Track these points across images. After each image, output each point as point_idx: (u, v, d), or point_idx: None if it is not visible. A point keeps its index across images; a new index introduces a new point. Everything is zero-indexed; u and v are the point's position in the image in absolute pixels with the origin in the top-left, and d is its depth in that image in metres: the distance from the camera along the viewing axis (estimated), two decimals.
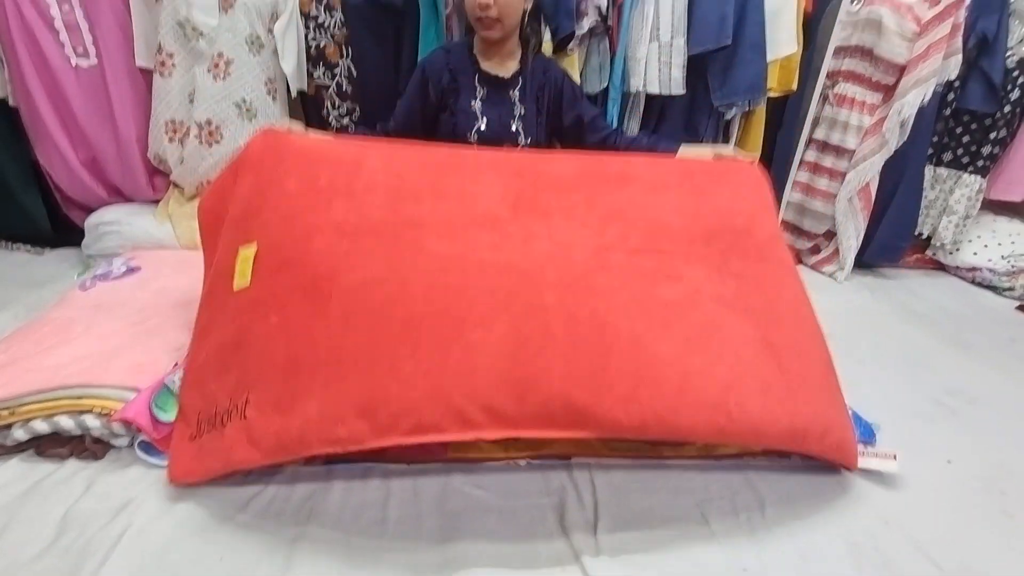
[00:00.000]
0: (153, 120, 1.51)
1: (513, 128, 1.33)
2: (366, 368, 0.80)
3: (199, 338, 0.97)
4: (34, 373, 0.95)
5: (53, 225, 1.61)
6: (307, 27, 1.52)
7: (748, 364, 0.87)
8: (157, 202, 1.61)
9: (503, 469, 0.95)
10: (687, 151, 1.23)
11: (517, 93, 1.32)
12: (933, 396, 1.28)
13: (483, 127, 1.32)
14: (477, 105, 1.32)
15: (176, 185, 1.59)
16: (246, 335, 0.87)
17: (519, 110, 1.33)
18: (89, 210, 1.56)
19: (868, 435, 1.10)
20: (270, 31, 1.49)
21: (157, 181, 1.62)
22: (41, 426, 0.92)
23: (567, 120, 1.36)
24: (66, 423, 0.92)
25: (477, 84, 1.31)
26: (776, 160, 1.77)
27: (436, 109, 1.33)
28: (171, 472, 0.88)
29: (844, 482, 1.00)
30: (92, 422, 0.92)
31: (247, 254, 0.91)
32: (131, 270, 1.34)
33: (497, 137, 1.32)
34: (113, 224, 1.51)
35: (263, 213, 0.92)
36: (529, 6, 1.28)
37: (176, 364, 1.02)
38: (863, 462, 1.01)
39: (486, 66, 1.32)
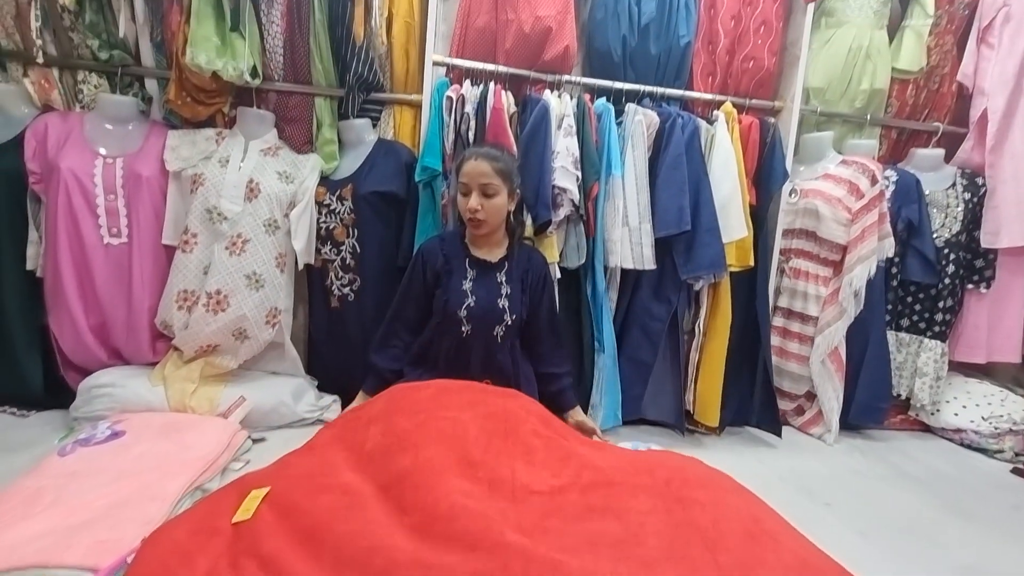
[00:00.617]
0: (167, 290, 1.63)
1: (500, 305, 1.47)
2: None
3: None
4: None
5: (46, 387, 1.62)
6: (319, 212, 1.74)
7: None
8: (155, 364, 1.66)
9: None
10: (576, 415, 1.54)
11: (504, 275, 1.49)
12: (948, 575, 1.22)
13: (472, 304, 1.46)
14: (468, 285, 1.48)
15: (176, 348, 1.65)
16: (239, 557, 0.93)
17: (505, 289, 1.48)
18: (86, 373, 1.60)
19: None
20: (286, 215, 1.69)
21: (159, 345, 1.69)
22: None
23: (534, 309, 1.54)
24: None
25: (468, 267, 1.50)
26: (761, 323, 1.90)
27: (431, 288, 1.50)
28: None
29: None
30: None
31: (258, 493, 1.06)
32: (115, 434, 1.33)
33: (485, 314, 1.45)
34: (106, 387, 1.54)
35: (287, 469, 1.14)
36: (512, 207, 1.51)
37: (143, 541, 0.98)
38: None
39: (476, 253, 1.52)
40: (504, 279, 1.50)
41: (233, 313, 1.60)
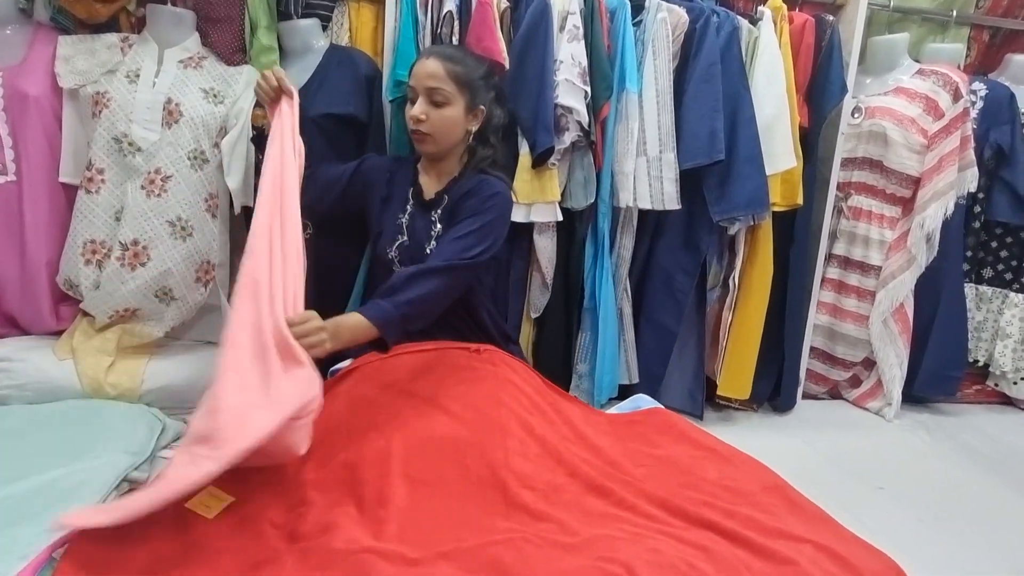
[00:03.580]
0: (70, 241, 1.62)
1: (428, 249, 1.50)
2: None
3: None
4: None
5: None
6: (258, 141, 1.72)
7: None
8: (59, 334, 1.67)
9: None
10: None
11: (438, 212, 1.53)
12: None
13: (404, 242, 1.53)
14: (403, 219, 1.54)
15: (85, 314, 1.66)
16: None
17: (436, 229, 1.52)
18: None
19: None
20: (216, 145, 1.67)
21: (63, 310, 1.69)
22: None
23: None
24: None
25: (409, 196, 1.56)
26: (793, 278, 1.94)
27: (358, 202, 1.59)
28: None
29: None
30: None
31: (219, 495, 1.14)
32: None
33: (414, 255, 1.51)
34: (1, 362, 1.56)
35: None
36: (474, 128, 1.51)
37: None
38: None
39: (422, 180, 1.57)
40: (438, 216, 1.52)
41: (155, 268, 1.61)
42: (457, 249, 1.41)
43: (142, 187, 1.61)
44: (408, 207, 1.55)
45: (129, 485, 1.31)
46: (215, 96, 1.69)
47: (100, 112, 1.60)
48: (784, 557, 1.12)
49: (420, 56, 1.50)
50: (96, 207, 1.62)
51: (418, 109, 1.45)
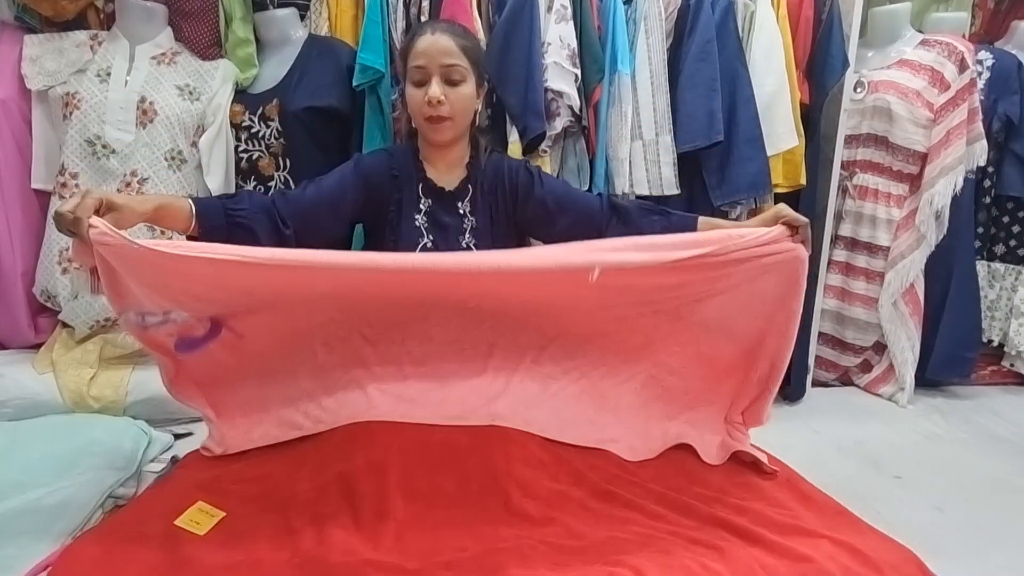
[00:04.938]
0: (45, 250, 1.61)
1: (463, 244, 1.43)
2: None
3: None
4: None
5: None
6: (238, 139, 1.70)
7: None
8: (38, 347, 1.66)
9: None
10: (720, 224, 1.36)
11: (467, 204, 1.45)
12: None
13: (428, 244, 1.42)
14: (421, 220, 1.43)
15: (65, 325, 1.65)
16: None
17: (469, 223, 1.44)
18: None
19: None
20: (194, 144, 1.66)
21: (41, 322, 1.68)
22: None
23: (539, 220, 1.45)
24: None
25: (421, 194, 1.44)
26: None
27: (369, 214, 1.44)
28: None
29: None
30: None
31: (210, 511, 1.14)
32: None
33: None
34: None
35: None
36: (479, 105, 1.46)
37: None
38: None
39: (431, 173, 1.44)
40: (468, 209, 1.45)
41: None
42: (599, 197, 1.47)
43: (118, 191, 1.59)
44: (423, 205, 1.43)
45: (115, 502, 1.29)
46: (191, 93, 1.66)
47: (71, 114, 1.58)
48: (800, 554, 1.11)
49: (421, 32, 1.37)
50: None
51: (436, 91, 1.32)
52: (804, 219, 1.19)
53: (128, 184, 1.60)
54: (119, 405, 1.59)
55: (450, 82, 1.35)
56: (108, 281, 1.09)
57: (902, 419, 1.91)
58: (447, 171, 1.46)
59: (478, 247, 1.43)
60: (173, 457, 1.48)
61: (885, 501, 1.39)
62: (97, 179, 1.60)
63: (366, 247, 1.51)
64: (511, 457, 1.25)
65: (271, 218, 1.28)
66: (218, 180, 1.66)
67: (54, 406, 1.55)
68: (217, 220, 1.21)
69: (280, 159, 1.71)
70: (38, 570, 1.01)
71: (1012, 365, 2.16)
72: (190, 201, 1.20)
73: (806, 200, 1.90)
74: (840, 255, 2.07)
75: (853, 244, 2.05)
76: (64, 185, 1.60)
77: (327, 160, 1.71)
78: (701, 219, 1.36)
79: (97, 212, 1.02)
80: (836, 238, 2.07)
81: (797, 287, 1.23)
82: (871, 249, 2.02)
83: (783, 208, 1.23)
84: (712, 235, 1.21)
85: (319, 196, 1.36)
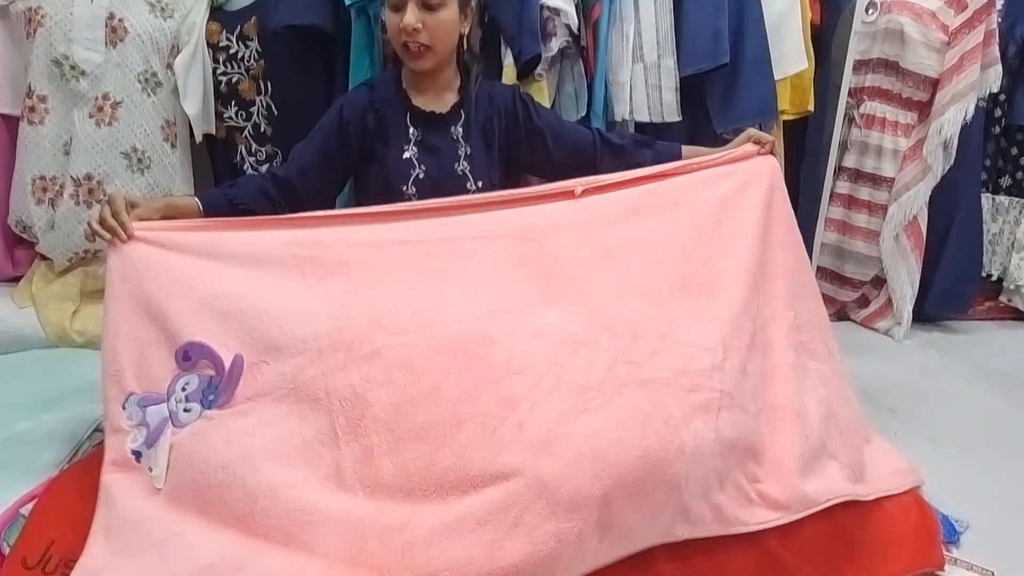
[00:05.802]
0: (17, 178, 1.55)
1: (459, 171, 1.38)
2: None
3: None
4: None
5: None
6: (216, 60, 1.61)
7: None
8: (16, 281, 1.62)
9: None
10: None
11: (459, 129, 1.39)
12: None
13: (421, 175, 1.37)
14: (411, 151, 1.37)
15: (43, 258, 1.61)
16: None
17: (464, 149, 1.39)
18: None
19: (951, 534, 1.11)
20: (169, 67, 1.57)
21: (18, 254, 1.64)
22: None
23: (535, 152, 1.42)
24: None
25: (409, 124, 1.37)
26: (804, 194, 1.87)
27: (359, 160, 1.39)
28: None
29: None
30: None
31: None
32: None
33: (439, 185, 1.37)
34: None
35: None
36: (466, 29, 1.37)
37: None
38: (952, 571, 1.02)
39: (419, 101, 1.38)
40: (461, 134, 1.39)
41: None
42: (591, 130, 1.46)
43: (90, 115, 1.52)
44: (411, 135, 1.37)
45: (102, 436, 1.27)
46: (163, 9, 1.57)
47: (35, 31, 1.50)
48: None
49: None
50: (42, 140, 1.54)
51: (411, 18, 1.25)
52: (770, 137, 1.35)
53: (100, 109, 1.52)
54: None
55: (427, 7, 1.26)
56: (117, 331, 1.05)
57: (898, 353, 1.91)
58: (436, 97, 1.40)
59: (474, 176, 1.39)
60: None
61: (881, 434, 1.39)
62: (67, 103, 1.53)
63: (356, 187, 1.46)
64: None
65: (269, 201, 1.30)
66: (196, 105, 1.58)
67: (36, 341, 1.53)
68: (222, 210, 1.24)
69: (261, 82, 1.63)
70: (24, 501, 1.00)
71: (1010, 300, 2.14)
72: (196, 199, 1.25)
73: (815, 129, 1.83)
74: (843, 187, 2.02)
75: (857, 176, 2.00)
76: (32, 109, 1.52)
77: (311, 84, 1.64)
78: (685, 148, 1.42)
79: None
80: (840, 169, 2.02)
81: (778, 191, 1.30)
82: (875, 181, 1.97)
83: (752, 130, 1.38)
84: (688, 160, 1.33)
85: (308, 172, 1.34)
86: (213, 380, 1.02)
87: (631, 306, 1.09)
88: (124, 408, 1.03)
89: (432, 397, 0.94)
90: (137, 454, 0.99)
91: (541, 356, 0.99)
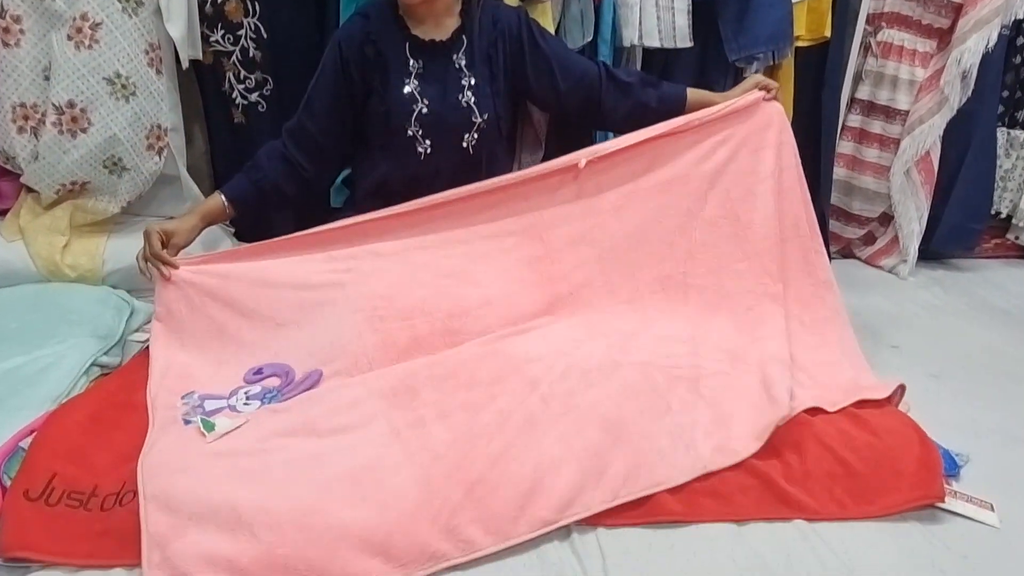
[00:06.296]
0: None
1: (463, 102, 1.33)
2: None
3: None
4: None
5: None
6: None
7: None
8: (3, 214, 1.58)
9: None
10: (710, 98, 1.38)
11: (463, 58, 1.32)
12: None
13: (424, 110, 1.32)
14: (412, 83, 1.31)
15: (29, 190, 1.56)
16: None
17: (468, 79, 1.32)
18: None
19: (952, 467, 1.11)
20: None
21: (4, 187, 1.59)
22: None
23: (541, 81, 1.37)
24: None
25: (409, 55, 1.31)
26: (825, 125, 1.81)
27: (360, 96, 1.33)
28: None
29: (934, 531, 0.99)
30: None
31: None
32: None
33: (443, 120, 1.32)
34: None
35: None
36: None
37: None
38: (952, 504, 1.02)
39: (417, 30, 1.31)
40: (464, 63, 1.33)
41: (98, 134, 1.47)
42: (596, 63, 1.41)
43: (69, 37, 1.43)
44: (412, 68, 1.31)
45: (100, 371, 1.26)
46: None
47: None
48: (796, 418, 1.11)
49: None
50: (19, 64, 1.46)
51: None
52: (775, 83, 1.36)
53: (79, 30, 1.43)
54: (96, 274, 1.53)
55: None
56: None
57: (902, 291, 1.90)
58: (436, 24, 1.33)
59: (479, 108, 1.34)
60: None
61: (882, 370, 1.39)
62: (44, 24, 1.44)
63: (355, 127, 1.40)
64: None
65: (289, 167, 1.33)
66: (180, 28, 1.49)
67: (27, 275, 1.49)
68: (247, 193, 1.31)
69: (248, 3, 1.54)
70: (23, 435, 0.99)
71: (1017, 238, 2.12)
72: (219, 193, 1.31)
73: (833, 56, 1.75)
74: (854, 120, 1.96)
75: (870, 108, 1.94)
76: (7, 31, 1.44)
77: (301, 5, 1.57)
78: (690, 91, 1.40)
79: (162, 243, 1.22)
80: (852, 101, 1.95)
81: (786, 146, 1.33)
82: (888, 113, 1.90)
83: (757, 76, 1.40)
84: (691, 114, 1.33)
85: (320, 117, 1.34)
86: (277, 387, 1.14)
87: (618, 314, 1.30)
88: (183, 398, 1.11)
89: (470, 384, 1.10)
90: (187, 422, 1.05)
91: (550, 350, 1.18)
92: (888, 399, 1.21)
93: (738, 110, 1.32)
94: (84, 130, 1.47)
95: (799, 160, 1.35)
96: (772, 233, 1.32)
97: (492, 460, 0.98)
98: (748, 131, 1.32)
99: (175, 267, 1.21)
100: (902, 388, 1.23)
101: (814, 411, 1.14)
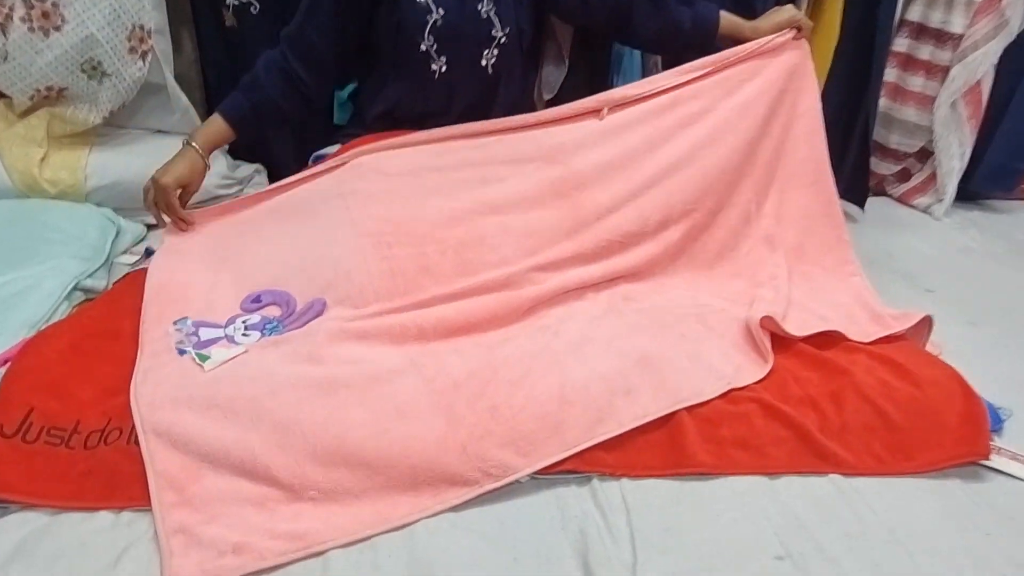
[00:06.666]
0: None
1: (482, 12, 1.21)
2: None
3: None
4: None
5: None
6: None
7: None
8: None
9: (494, 496, 0.87)
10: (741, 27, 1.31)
11: None
12: None
13: (439, 21, 1.19)
14: None
15: (2, 96, 1.45)
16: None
17: None
18: None
19: (996, 422, 1.05)
20: None
21: None
22: None
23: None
24: None
25: None
26: (878, 49, 1.66)
27: (365, 6, 1.20)
28: None
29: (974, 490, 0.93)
30: None
31: None
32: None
33: (459, 32, 1.21)
34: None
35: None
36: None
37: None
38: (997, 461, 0.96)
39: None
40: None
41: (74, 34, 1.35)
42: None
43: None
44: None
45: (84, 295, 1.18)
46: None
47: None
48: (836, 367, 1.05)
49: None
50: None
51: None
52: (810, 22, 1.32)
53: None
54: (79, 190, 1.43)
55: None
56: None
57: (937, 232, 1.81)
58: None
59: (501, 20, 1.23)
60: (147, 249, 1.37)
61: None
62: None
63: (361, 40, 1.27)
64: None
65: (290, 83, 1.24)
66: None
67: (3, 189, 1.39)
68: (245, 113, 1.24)
69: None
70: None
71: None
72: (217, 115, 1.24)
73: None
74: (901, 45, 1.80)
75: (920, 31, 1.77)
76: None
77: None
78: (723, 14, 1.32)
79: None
80: (901, 23, 1.78)
81: (809, 80, 1.31)
82: (940, 38, 1.74)
83: (791, 10, 1.31)
84: (716, 56, 1.28)
85: (322, 34, 1.22)
86: (278, 317, 1.07)
87: (634, 254, 1.23)
88: (175, 323, 1.04)
89: (481, 326, 1.07)
90: (182, 352, 0.98)
91: (561, 299, 1.16)
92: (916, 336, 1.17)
93: (770, 50, 1.28)
94: (57, 28, 1.34)
95: (820, 104, 1.32)
96: (780, 175, 1.32)
97: (514, 383, 0.96)
98: (773, 71, 1.29)
99: (192, 223, 1.23)
100: (929, 321, 1.17)
101: (852, 358, 1.07)
